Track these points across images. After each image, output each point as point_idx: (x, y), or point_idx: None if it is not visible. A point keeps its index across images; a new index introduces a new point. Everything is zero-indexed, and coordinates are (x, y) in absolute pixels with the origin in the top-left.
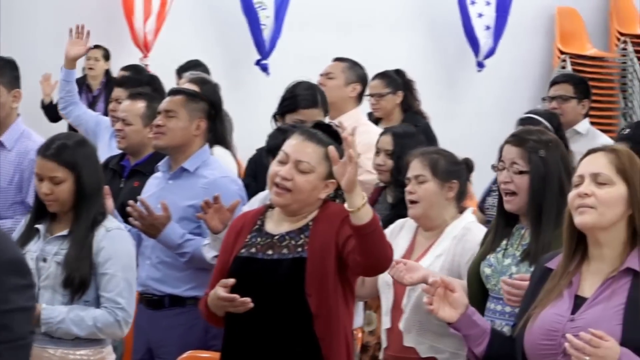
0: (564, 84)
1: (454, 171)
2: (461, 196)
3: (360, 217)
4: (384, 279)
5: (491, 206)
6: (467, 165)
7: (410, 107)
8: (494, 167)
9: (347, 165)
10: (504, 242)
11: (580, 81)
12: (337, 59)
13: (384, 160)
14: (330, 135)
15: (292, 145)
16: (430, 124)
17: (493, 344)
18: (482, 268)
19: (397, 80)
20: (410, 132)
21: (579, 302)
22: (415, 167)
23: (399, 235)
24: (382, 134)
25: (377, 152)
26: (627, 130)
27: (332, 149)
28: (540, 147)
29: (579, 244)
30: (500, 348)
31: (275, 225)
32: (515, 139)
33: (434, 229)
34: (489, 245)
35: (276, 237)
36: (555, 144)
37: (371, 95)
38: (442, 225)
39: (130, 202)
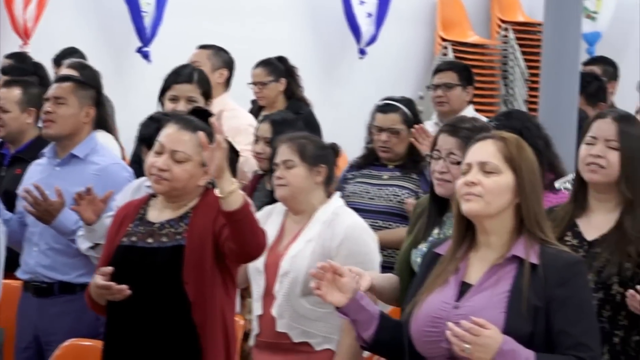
0: (448, 72)
1: (322, 156)
2: (329, 181)
3: (230, 203)
4: (255, 266)
5: (351, 193)
6: (334, 150)
7: (293, 94)
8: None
9: (216, 151)
10: (436, 230)
11: (464, 68)
12: (201, 46)
13: (262, 148)
14: (207, 121)
15: (167, 135)
16: (313, 111)
17: (381, 329)
18: (413, 257)
19: (279, 67)
20: (289, 119)
21: (464, 288)
22: (284, 153)
23: (269, 220)
24: (260, 122)
25: (256, 140)
26: (495, 123)
27: (201, 135)
28: (475, 135)
29: (468, 231)
30: (389, 333)
31: (157, 213)
32: (450, 129)
33: (302, 213)
34: (421, 233)
35: (156, 225)
36: (488, 132)
37: (254, 83)
38: (311, 209)
39: (26, 187)
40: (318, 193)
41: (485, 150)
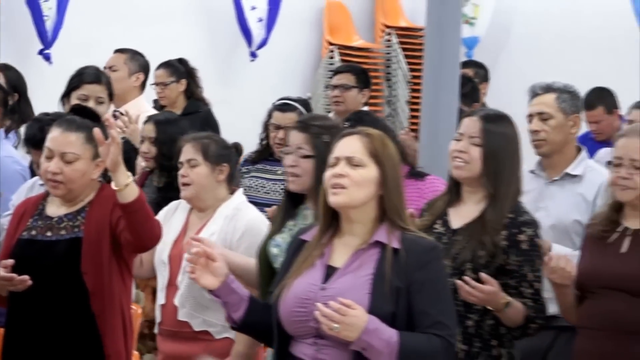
0: (346, 74)
1: (224, 155)
2: (231, 178)
3: (125, 195)
4: (160, 258)
5: (247, 187)
6: (237, 149)
7: (193, 94)
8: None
9: (111, 146)
10: (291, 222)
11: (362, 72)
12: (118, 51)
13: (148, 148)
14: (90, 117)
15: (53, 138)
16: (212, 110)
17: (251, 311)
18: (269, 248)
19: (180, 69)
20: (172, 119)
21: (330, 271)
22: (187, 152)
23: (174, 215)
24: (145, 123)
25: (142, 140)
26: (349, 123)
27: (97, 131)
28: (325, 132)
29: (333, 219)
30: (258, 315)
31: (55, 208)
32: (301, 125)
33: (206, 209)
34: (276, 225)
35: (55, 220)
36: (338, 130)
37: (156, 84)
38: (214, 205)
39: None
40: (220, 190)
41: (351, 145)
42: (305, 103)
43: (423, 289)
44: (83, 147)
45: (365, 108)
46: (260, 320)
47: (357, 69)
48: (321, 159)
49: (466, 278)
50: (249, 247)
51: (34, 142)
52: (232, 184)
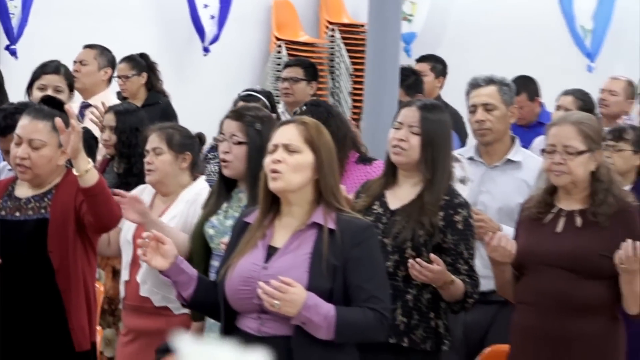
0: (295, 67)
1: (188, 144)
2: (194, 166)
3: (85, 180)
4: (125, 237)
5: (213, 172)
6: (200, 139)
7: (153, 87)
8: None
9: (71, 134)
10: (225, 205)
11: (310, 65)
12: (88, 46)
13: (109, 136)
14: (59, 108)
15: (23, 126)
16: (171, 102)
17: (199, 289)
18: (205, 229)
19: (141, 63)
20: (131, 109)
21: (271, 252)
22: (153, 141)
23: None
24: (106, 113)
25: (102, 129)
26: (305, 109)
27: (58, 120)
28: (257, 121)
29: (273, 202)
30: (206, 293)
31: (24, 190)
32: (235, 114)
33: (169, 194)
34: (212, 208)
35: (23, 201)
36: (269, 119)
37: (119, 77)
38: (176, 191)
39: None
40: (183, 177)
41: (288, 133)
42: (268, 95)
43: (358, 266)
44: (49, 135)
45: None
46: (208, 298)
47: (305, 62)
48: (253, 146)
49: (418, 260)
50: None
51: (0, 130)
52: (195, 171)
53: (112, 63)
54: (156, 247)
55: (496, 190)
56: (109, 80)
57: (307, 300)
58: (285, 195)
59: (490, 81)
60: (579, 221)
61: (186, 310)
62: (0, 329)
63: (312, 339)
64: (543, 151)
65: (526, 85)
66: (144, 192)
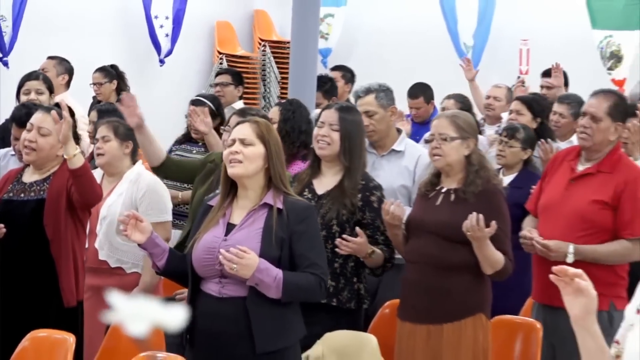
0: (225, 75)
1: (130, 134)
2: (134, 152)
3: (73, 162)
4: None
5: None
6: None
7: (122, 92)
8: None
9: (63, 124)
10: None
11: (236, 73)
12: (49, 57)
13: (92, 129)
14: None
15: (36, 117)
16: None
17: (170, 260)
18: (205, 200)
19: (112, 72)
20: (110, 109)
21: (230, 227)
22: (102, 130)
23: None
24: (90, 110)
25: (89, 123)
26: (282, 105)
27: (54, 112)
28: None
29: (232, 187)
30: (176, 262)
31: (29, 176)
32: (239, 112)
33: (115, 175)
34: (209, 186)
35: (27, 185)
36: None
37: (94, 84)
38: (121, 172)
39: None
40: (126, 161)
41: (244, 130)
42: (214, 99)
43: (301, 238)
44: (54, 128)
45: (241, 101)
46: (178, 267)
47: (232, 71)
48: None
49: (344, 236)
50: (150, 203)
51: (20, 122)
52: (134, 157)
53: (68, 71)
54: (135, 224)
55: (383, 175)
56: (67, 85)
57: (259, 264)
58: (241, 180)
59: (367, 91)
60: (452, 197)
61: (137, 270)
62: (1, 289)
63: (264, 298)
64: (426, 141)
65: (423, 91)
66: (95, 175)
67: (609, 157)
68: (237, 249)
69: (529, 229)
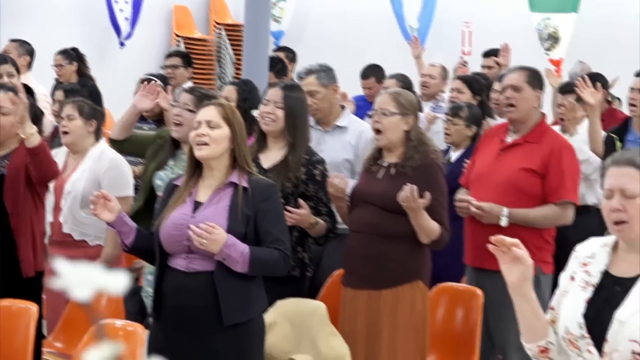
0: (175, 57)
1: (94, 114)
2: (98, 131)
3: (30, 141)
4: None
5: None
6: (102, 113)
7: (82, 73)
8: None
9: (20, 104)
10: (171, 162)
11: (186, 55)
12: (12, 40)
13: (58, 107)
14: (29, 92)
15: None
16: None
17: (138, 237)
18: (154, 179)
19: (72, 54)
20: (75, 89)
21: (197, 205)
22: (67, 109)
23: (57, 157)
24: (56, 90)
25: (54, 102)
26: (238, 84)
27: (11, 94)
28: (206, 98)
29: (198, 167)
30: (143, 240)
31: None
32: (190, 89)
33: (79, 152)
34: (161, 162)
35: None
36: (214, 97)
37: (55, 65)
38: (85, 150)
39: None
40: (90, 139)
41: (210, 112)
42: (162, 77)
43: (266, 216)
44: (12, 109)
45: (190, 82)
46: (145, 244)
47: (182, 53)
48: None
49: (287, 207)
50: (112, 178)
51: None
52: (98, 135)
53: (29, 52)
54: (104, 203)
55: (327, 149)
56: (29, 66)
57: (227, 240)
58: (207, 161)
59: (309, 72)
60: (393, 171)
61: (99, 242)
62: None
63: (231, 272)
64: (369, 116)
65: (375, 71)
66: (59, 152)
67: (535, 129)
68: (207, 224)
69: (463, 193)
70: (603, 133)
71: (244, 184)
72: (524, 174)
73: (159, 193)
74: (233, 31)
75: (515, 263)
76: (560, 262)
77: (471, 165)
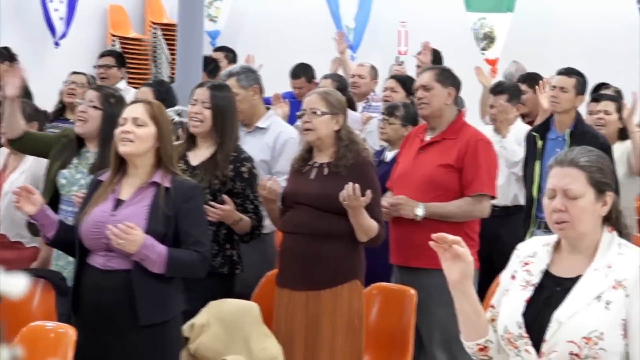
0: (108, 57)
1: (35, 115)
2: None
3: None
4: None
5: None
6: (45, 115)
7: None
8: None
9: None
10: (75, 160)
11: (119, 55)
12: None
13: None
14: None
15: None
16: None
17: (60, 231)
18: (58, 178)
19: (4, 53)
20: None
21: (119, 203)
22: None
23: None
24: None
25: None
26: (153, 85)
27: None
28: (113, 98)
29: (121, 164)
30: (65, 234)
31: None
32: (96, 87)
33: (19, 153)
34: (65, 161)
35: None
36: (121, 100)
37: None
38: None
39: None
40: None
41: (137, 109)
42: (91, 76)
43: (187, 217)
44: None
45: (124, 82)
46: (66, 238)
47: (115, 52)
48: (107, 114)
49: (211, 203)
50: None
51: None
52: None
53: None
54: (27, 196)
55: (247, 150)
56: None
57: (145, 241)
58: (131, 159)
59: (229, 74)
60: (326, 171)
61: (35, 244)
62: None
63: (148, 272)
64: (298, 116)
65: (305, 71)
66: (1, 153)
67: (452, 125)
68: (125, 225)
69: (385, 199)
70: (525, 130)
71: (167, 183)
72: (442, 169)
73: (63, 192)
74: (169, 31)
75: (456, 261)
76: (493, 260)
77: (395, 166)
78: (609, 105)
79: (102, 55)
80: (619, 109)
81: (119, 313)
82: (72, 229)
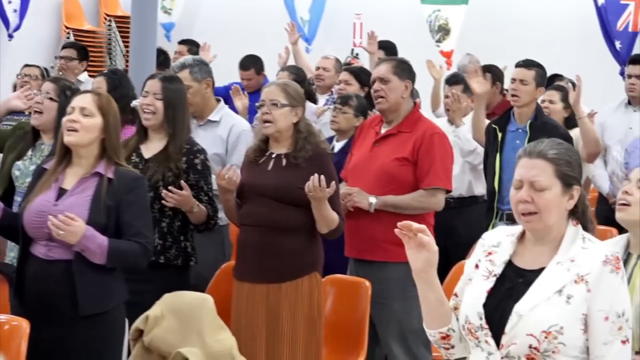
0: (70, 49)
1: None
2: None
3: None
4: None
5: None
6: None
7: None
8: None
9: None
10: (30, 152)
11: (82, 48)
12: None
13: None
14: None
15: None
16: None
17: (4, 218)
18: (13, 170)
19: None
20: None
21: (62, 192)
22: None
23: None
24: None
25: None
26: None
27: None
28: (69, 90)
29: (67, 153)
30: (9, 221)
31: None
32: (53, 79)
33: None
34: (21, 153)
35: None
36: (77, 90)
37: None
38: None
39: None
40: None
41: (85, 100)
42: (43, 68)
43: (129, 208)
44: None
45: (85, 73)
46: (10, 225)
47: (78, 45)
48: (62, 106)
49: (170, 188)
50: None
51: None
52: None
53: None
54: None
55: (200, 143)
56: None
57: (85, 232)
58: (76, 148)
59: (182, 66)
60: (284, 162)
61: None
62: None
63: (89, 263)
64: (256, 107)
65: (254, 62)
66: None
67: (408, 118)
68: (65, 216)
69: (342, 187)
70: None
71: (110, 174)
72: (397, 163)
73: (17, 184)
74: (123, 23)
75: (421, 249)
76: (449, 251)
77: (349, 157)
78: (554, 95)
79: (65, 47)
80: (565, 98)
81: (60, 303)
82: (16, 217)
